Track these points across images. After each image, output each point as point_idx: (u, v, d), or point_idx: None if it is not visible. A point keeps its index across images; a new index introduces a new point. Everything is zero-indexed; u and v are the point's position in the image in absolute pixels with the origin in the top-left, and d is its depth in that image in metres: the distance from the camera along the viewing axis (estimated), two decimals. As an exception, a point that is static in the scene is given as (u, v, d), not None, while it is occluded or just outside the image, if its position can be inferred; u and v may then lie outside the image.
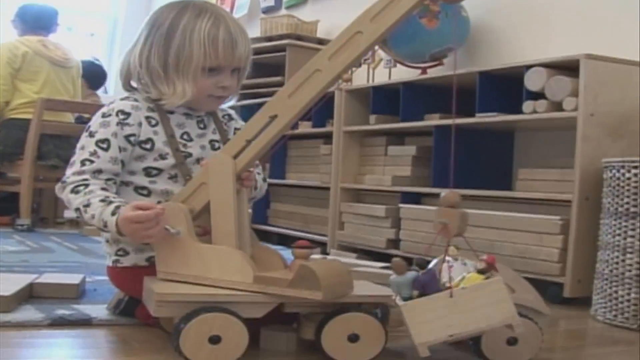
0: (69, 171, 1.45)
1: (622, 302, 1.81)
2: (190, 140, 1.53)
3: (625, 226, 1.82)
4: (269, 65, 4.10)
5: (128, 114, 1.48)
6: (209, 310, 1.22)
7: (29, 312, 1.52)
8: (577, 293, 2.10)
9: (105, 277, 1.60)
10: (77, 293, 1.74)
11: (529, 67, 2.31)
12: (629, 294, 1.79)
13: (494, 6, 3.04)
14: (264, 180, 1.66)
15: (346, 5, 3.97)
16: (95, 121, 1.48)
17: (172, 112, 1.54)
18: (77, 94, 4.15)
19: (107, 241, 1.54)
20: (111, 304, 1.58)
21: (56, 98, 3.86)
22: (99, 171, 1.44)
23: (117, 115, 1.47)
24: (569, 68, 2.20)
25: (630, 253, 1.80)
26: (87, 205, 1.38)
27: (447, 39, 2.90)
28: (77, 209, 1.40)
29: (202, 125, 1.58)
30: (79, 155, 1.45)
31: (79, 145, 1.48)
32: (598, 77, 2.13)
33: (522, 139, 2.79)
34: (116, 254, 1.52)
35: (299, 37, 4.00)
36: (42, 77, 3.89)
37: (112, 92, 6.18)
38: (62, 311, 1.54)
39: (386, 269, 2.49)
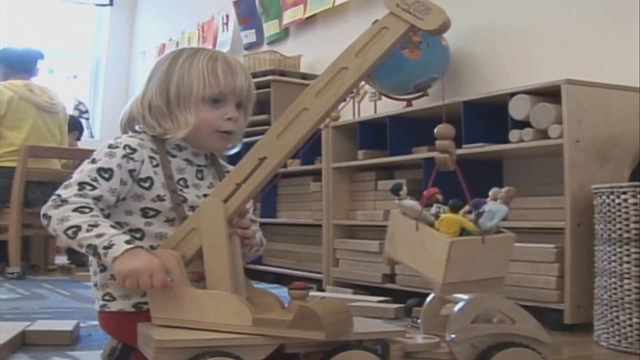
0: (65, 192, 1.39)
1: (624, 327, 1.80)
2: (187, 187, 1.52)
3: (620, 252, 1.82)
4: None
5: (134, 150, 1.47)
6: (213, 354, 1.20)
7: (22, 362, 1.49)
8: (578, 319, 2.09)
9: (99, 322, 1.57)
10: (71, 339, 1.72)
11: (512, 94, 2.32)
12: (630, 319, 1.79)
13: (473, 35, 3.07)
14: (261, 244, 1.63)
15: (327, 39, 4.00)
16: (101, 151, 1.47)
17: (174, 156, 1.53)
18: (64, 140, 4.10)
19: (95, 285, 1.50)
20: (105, 352, 1.56)
21: (42, 145, 3.82)
22: (99, 198, 1.41)
23: (124, 148, 1.46)
24: (551, 94, 2.21)
25: (628, 279, 1.80)
26: (93, 225, 1.34)
27: (430, 69, 2.91)
28: (75, 227, 1.34)
29: (200, 176, 1.55)
30: (77, 178, 1.42)
31: (78, 169, 1.44)
32: (580, 102, 2.15)
33: (511, 168, 2.80)
34: (103, 299, 1.48)
35: (283, 73, 3.97)
36: (28, 123, 3.83)
37: (98, 137, 6.15)
38: (56, 359, 1.52)
39: (384, 303, 2.48)
